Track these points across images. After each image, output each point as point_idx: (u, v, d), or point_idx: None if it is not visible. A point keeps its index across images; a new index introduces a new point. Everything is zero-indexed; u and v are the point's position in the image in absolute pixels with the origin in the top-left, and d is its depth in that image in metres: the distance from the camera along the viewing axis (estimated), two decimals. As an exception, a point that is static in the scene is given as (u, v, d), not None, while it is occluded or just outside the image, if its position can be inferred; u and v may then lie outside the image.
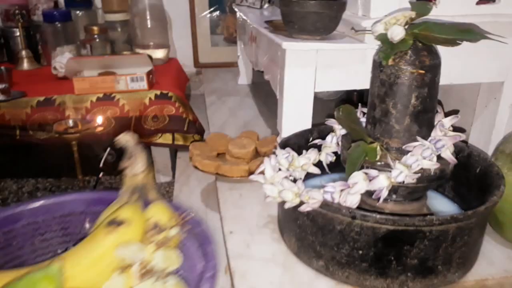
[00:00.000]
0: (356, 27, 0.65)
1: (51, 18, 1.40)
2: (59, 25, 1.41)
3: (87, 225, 0.45)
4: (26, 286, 0.33)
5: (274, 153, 0.59)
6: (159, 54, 1.51)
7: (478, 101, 0.81)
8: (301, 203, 0.51)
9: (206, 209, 0.93)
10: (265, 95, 1.33)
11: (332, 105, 1.19)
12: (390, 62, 0.50)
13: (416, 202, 0.56)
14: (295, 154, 0.58)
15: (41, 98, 1.15)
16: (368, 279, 0.52)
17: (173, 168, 1.33)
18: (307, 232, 0.54)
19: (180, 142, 1.21)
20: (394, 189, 0.52)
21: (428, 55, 0.50)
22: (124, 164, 0.42)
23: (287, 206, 0.52)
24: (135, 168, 0.43)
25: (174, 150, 1.36)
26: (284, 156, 0.57)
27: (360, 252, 0.51)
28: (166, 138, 1.20)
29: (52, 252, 0.45)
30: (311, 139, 0.70)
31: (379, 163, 0.52)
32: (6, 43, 1.51)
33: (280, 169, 0.56)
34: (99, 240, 0.37)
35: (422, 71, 0.49)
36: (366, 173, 0.50)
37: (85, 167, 1.10)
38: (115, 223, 0.38)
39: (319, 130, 0.71)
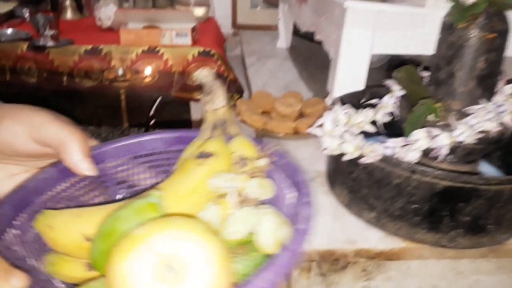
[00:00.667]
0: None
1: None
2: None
3: (168, 164, 0.45)
4: (131, 213, 0.32)
5: (330, 109, 0.61)
6: (199, 12, 1.51)
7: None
8: (361, 156, 0.54)
9: (247, 164, 0.97)
10: (304, 59, 1.34)
11: (372, 73, 1.19)
12: (461, 24, 0.51)
13: (469, 164, 0.58)
14: (353, 111, 0.60)
15: (88, 47, 1.18)
16: (419, 232, 0.55)
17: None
18: (362, 185, 0.57)
19: (219, 100, 1.24)
20: (451, 149, 0.54)
21: (499, 21, 0.50)
22: (203, 100, 0.41)
23: (346, 158, 0.55)
24: (216, 103, 0.41)
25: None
26: (343, 111, 0.59)
27: (414, 206, 0.53)
28: (206, 95, 1.23)
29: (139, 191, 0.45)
30: (363, 100, 0.72)
31: (440, 123, 0.54)
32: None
33: (338, 124, 0.58)
34: (191, 172, 0.36)
35: (493, 35, 0.50)
36: (428, 131, 0.52)
37: (130, 116, 1.14)
38: (204, 156, 0.37)
39: (371, 92, 0.72)
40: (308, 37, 1.53)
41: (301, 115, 0.89)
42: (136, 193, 0.41)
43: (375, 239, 0.57)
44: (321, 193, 0.66)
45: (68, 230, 0.33)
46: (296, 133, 0.82)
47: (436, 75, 0.56)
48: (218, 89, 0.41)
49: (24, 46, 1.17)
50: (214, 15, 1.66)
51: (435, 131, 0.52)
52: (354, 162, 0.57)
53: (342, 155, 0.57)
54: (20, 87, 1.20)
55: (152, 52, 1.19)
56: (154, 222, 0.29)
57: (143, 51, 1.18)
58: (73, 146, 0.35)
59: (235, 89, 1.20)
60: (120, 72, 1.06)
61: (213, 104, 0.41)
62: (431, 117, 0.54)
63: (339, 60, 0.71)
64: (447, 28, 0.53)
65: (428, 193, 0.52)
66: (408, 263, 0.59)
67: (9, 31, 1.20)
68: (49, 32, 1.17)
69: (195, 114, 1.32)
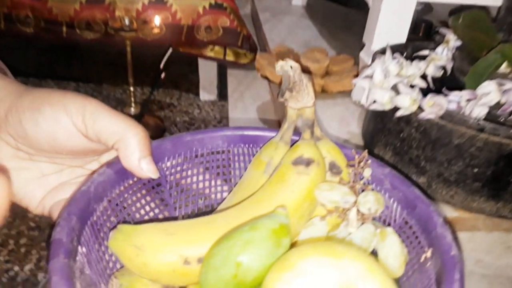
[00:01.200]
0: None
1: None
2: None
3: (231, 165, 0.39)
4: (265, 237, 0.26)
5: (378, 58, 0.53)
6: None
7: None
8: (415, 113, 0.46)
9: (264, 125, 0.90)
10: (322, 16, 1.24)
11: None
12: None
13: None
14: (405, 61, 0.52)
15: (91, -5, 1.08)
16: (476, 200, 0.48)
17: (218, 87, 1.28)
18: (412, 146, 0.50)
19: (231, 58, 1.15)
20: (521, 107, 0.46)
21: None
22: (286, 95, 0.34)
23: (400, 114, 0.47)
24: (303, 101, 0.34)
25: (219, 71, 1.31)
26: (395, 61, 0.51)
27: (475, 170, 0.46)
28: (218, 52, 1.14)
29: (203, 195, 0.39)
30: (405, 54, 0.64)
31: (511, 75, 0.46)
32: None
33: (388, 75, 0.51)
34: (293, 182, 0.31)
35: None
36: (499, 84, 0.44)
37: (135, 73, 1.05)
38: (304, 163, 0.31)
39: (414, 45, 0.64)
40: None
41: (327, 73, 0.81)
42: (197, 201, 0.38)
43: (424, 207, 0.50)
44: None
45: (163, 252, 0.28)
46: (324, 91, 0.75)
47: (508, 19, 0.48)
48: (307, 85, 0.34)
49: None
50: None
51: (509, 83, 0.44)
52: (405, 119, 0.49)
53: (392, 111, 0.49)
54: (15, 37, 1.11)
55: (159, 2, 1.09)
56: (324, 250, 0.25)
57: (149, 1, 1.08)
58: (133, 143, 0.30)
59: (248, 46, 1.11)
60: (126, 22, 0.97)
61: (298, 102, 0.34)
62: (501, 69, 0.47)
63: (382, 7, 0.62)
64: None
65: (495, 155, 0.45)
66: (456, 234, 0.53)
67: (3, -26, 1.10)
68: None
69: (203, 73, 1.24)
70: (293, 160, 0.32)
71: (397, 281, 0.30)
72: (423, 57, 0.57)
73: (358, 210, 0.30)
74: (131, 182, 0.33)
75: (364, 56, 0.70)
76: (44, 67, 1.24)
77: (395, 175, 0.33)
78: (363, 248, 0.29)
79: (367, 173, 0.32)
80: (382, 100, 0.48)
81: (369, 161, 0.33)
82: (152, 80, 1.10)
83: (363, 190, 0.31)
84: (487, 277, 0.58)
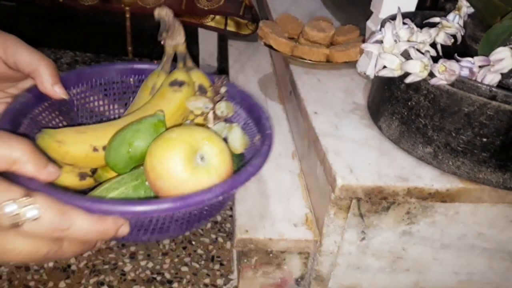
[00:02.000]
0: None
1: None
2: None
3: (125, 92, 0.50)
4: (148, 127, 0.39)
5: (388, 22, 0.51)
6: None
7: None
8: (427, 79, 0.45)
9: (265, 98, 0.88)
10: (327, -10, 1.21)
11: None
12: None
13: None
14: (415, 27, 0.50)
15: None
16: (483, 171, 0.47)
17: (217, 60, 1.25)
18: (420, 115, 0.49)
19: (232, 28, 1.12)
20: (534, 76, 0.45)
21: None
22: (163, 35, 0.45)
23: (409, 80, 0.46)
24: (177, 39, 0.45)
25: (219, 44, 1.28)
26: (405, 26, 0.49)
27: (484, 139, 0.45)
28: (218, 22, 1.11)
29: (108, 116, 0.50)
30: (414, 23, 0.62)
31: (525, 42, 0.45)
32: None
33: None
34: (171, 97, 0.43)
35: None
36: (513, 50, 0.43)
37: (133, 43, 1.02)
38: (178, 84, 0.44)
39: (423, 14, 0.62)
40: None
41: (331, 44, 0.79)
42: (101, 120, 0.48)
43: (429, 177, 0.49)
44: (362, 125, 0.58)
45: (78, 143, 0.39)
46: (329, 61, 0.73)
47: (526, -16, 0.46)
48: (178, 26, 0.46)
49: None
50: None
51: (523, 50, 0.43)
52: (414, 86, 0.48)
53: (400, 78, 0.48)
54: (10, 1, 1.07)
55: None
56: (182, 129, 0.39)
57: (150, -34, 1.05)
58: (46, 71, 0.38)
59: (250, 16, 1.08)
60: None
61: (173, 40, 0.46)
62: (515, 35, 0.45)
63: (392, -28, 0.60)
64: None
65: (505, 124, 0.43)
66: (457, 207, 0.52)
67: None
68: None
69: (203, 45, 1.21)
70: (170, 82, 0.44)
71: (241, 155, 0.45)
72: (433, 25, 0.55)
73: (214, 113, 0.44)
74: (46, 104, 0.41)
75: (371, 25, 0.68)
76: (39, 35, 1.21)
77: (242, 92, 0.47)
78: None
79: (222, 90, 0.45)
80: (392, 66, 0.46)
81: (225, 82, 0.46)
82: (150, 51, 1.07)
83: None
84: (488, 251, 0.57)
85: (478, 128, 0.45)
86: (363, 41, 0.71)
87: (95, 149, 0.40)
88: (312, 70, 0.73)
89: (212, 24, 1.11)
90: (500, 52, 0.43)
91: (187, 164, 0.36)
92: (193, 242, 0.59)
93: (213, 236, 0.62)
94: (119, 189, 0.38)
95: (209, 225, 0.63)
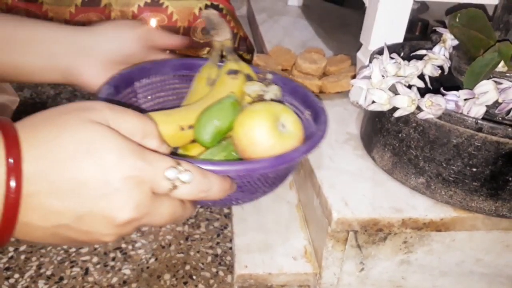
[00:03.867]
0: None
1: None
2: None
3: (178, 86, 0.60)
4: (229, 106, 0.48)
5: (376, 58, 0.53)
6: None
7: None
8: (414, 113, 0.46)
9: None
10: (319, 17, 1.24)
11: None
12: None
13: (533, 124, 0.51)
14: (402, 61, 0.52)
15: (86, -2, 1.07)
16: (475, 200, 0.48)
17: (214, 88, 1.27)
18: (410, 147, 0.50)
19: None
20: (519, 106, 0.46)
21: None
22: (211, 33, 0.55)
23: (398, 114, 0.47)
24: (223, 35, 0.55)
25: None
26: (392, 61, 0.51)
27: (474, 169, 0.46)
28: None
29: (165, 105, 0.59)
30: (402, 54, 0.64)
31: (508, 74, 0.46)
32: None
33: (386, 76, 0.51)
34: (230, 84, 0.52)
35: None
36: (496, 82, 0.44)
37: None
38: (233, 73, 0.52)
39: (411, 45, 0.64)
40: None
41: (324, 74, 0.81)
42: (161, 108, 0.58)
43: (423, 207, 0.50)
44: (356, 157, 0.59)
45: (167, 123, 0.47)
46: (322, 92, 0.75)
47: (505, 18, 0.48)
48: (225, 25, 0.56)
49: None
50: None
51: (506, 82, 0.44)
52: (403, 119, 0.49)
53: (390, 112, 0.49)
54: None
55: (155, 5, 1.09)
56: (262, 103, 0.50)
57: (146, 4, 1.08)
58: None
59: (245, 48, 1.11)
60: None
61: (220, 36, 0.55)
62: (498, 68, 0.46)
63: (379, 7, 0.62)
64: (527, -41, 0.44)
65: (493, 154, 0.45)
66: (453, 235, 0.53)
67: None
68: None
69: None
70: (227, 71, 0.53)
71: None
72: (421, 57, 0.57)
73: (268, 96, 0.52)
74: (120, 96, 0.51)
75: (361, 56, 0.69)
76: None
77: (284, 79, 0.57)
78: None
79: (269, 76, 0.56)
80: (381, 101, 0.48)
81: (268, 70, 0.58)
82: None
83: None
84: (487, 276, 0.58)
85: (467, 158, 0.46)
86: (355, 73, 0.73)
87: (182, 129, 0.48)
88: (306, 101, 0.74)
89: (208, 55, 1.13)
90: (484, 85, 0.44)
91: (273, 130, 0.43)
92: (194, 277, 0.60)
93: (214, 270, 0.62)
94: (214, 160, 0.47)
95: (209, 258, 0.64)
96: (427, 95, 0.44)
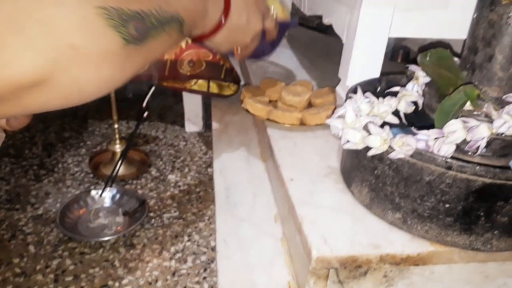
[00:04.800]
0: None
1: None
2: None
3: None
4: None
5: (350, 97, 0.55)
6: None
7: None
8: (388, 151, 0.48)
9: (248, 157, 0.91)
10: (304, 46, 1.27)
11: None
12: (506, 0, 0.45)
13: (504, 158, 0.52)
14: (376, 100, 0.54)
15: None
16: (450, 234, 0.49)
17: (203, 118, 1.29)
18: (386, 183, 0.51)
19: (215, 90, 1.16)
20: (487, 142, 0.48)
21: (548, -5, 0.45)
22: None
23: (371, 153, 0.49)
24: None
25: (204, 102, 1.32)
26: (365, 100, 0.52)
27: (447, 205, 0.47)
28: (201, 85, 1.16)
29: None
30: (379, 88, 0.66)
31: (475, 112, 0.48)
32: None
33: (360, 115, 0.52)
34: None
35: (540, 13, 0.44)
36: (464, 121, 0.46)
37: (119, 108, 1.06)
38: None
39: (388, 79, 0.66)
40: (306, 24, 1.46)
41: (310, 105, 0.83)
42: None
43: (401, 242, 0.51)
44: (336, 190, 0.60)
45: None
46: (303, 124, 0.76)
47: (471, 59, 0.50)
48: None
49: None
50: None
51: (473, 121, 0.46)
52: (378, 157, 0.51)
53: (365, 149, 0.51)
54: None
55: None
56: None
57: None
58: None
59: (231, 79, 1.13)
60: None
61: None
62: (466, 106, 0.48)
63: (355, 44, 0.64)
64: (488, 4, 0.47)
65: (464, 191, 0.46)
66: (432, 268, 0.54)
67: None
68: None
69: (188, 105, 1.25)
70: None
71: None
72: (396, 93, 0.59)
73: None
74: None
75: (340, 90, 0.71)
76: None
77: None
78: None
79: None
80: (354, 140, 0.49)
81: None
82: (137, 114, 1.11)
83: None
84: (468, 307, 0.58)
85: (440, 195, 0.47)
86: (335, 106, 0.74)
87: None
88: (289, 134, 0.76)
89: (195, 87, 1.15)
90: (452, 125, 0.46)
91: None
92: (181, 314, 0.60)
93: (200, 306, 0.62)
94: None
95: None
96: (398, 135, 0.46)
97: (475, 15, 0.49)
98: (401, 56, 1.17)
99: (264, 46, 0.62)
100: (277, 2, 0.78)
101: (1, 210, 0.91)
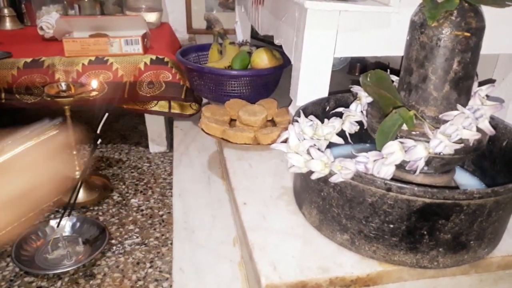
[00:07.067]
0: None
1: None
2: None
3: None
4: (245, 54, 1.04)
5: (295, 121, 0.55)
6: (151, 17, 1.43)
7: (495, 72, 0.78)
8: (330, 173, 0.48)
9: (209, 178, 0.90)
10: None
11: (333, 75, 1.15)
12: (434, 23, 0.46)
13: (446, 175, 0.53)
14: (319, 122, 0.54)
15: (28, 60, 1.07)
16: (396, 254, 0.49)
17: (167, 138, 1.28)
18: (332, 205, 0.51)
19: (176, 110, 1.16)
20: (428, 161, 0.49)
21: (475, 17, 0.46)
22: (212, 26, 1.08)
23: (314, 177, 0.49)
24: (218, 26, 1.11)
25: (168, 120, 1.31)
26: (308, 124, 0.53)
27: (391, 226, 0.48)
28: (162, 106, 1.15)
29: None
30: (328, 108, 0.66)
31: (413, 132, 0.49)
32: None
33: (303, 138, 0.52)
34: (233, 49, 1.07)
35: (468, 34, 0.45)
36: (402, 143, 0.47)
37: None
38: (232, 43, 1.08)
39: (336, 98, 0.67)
40: (267, 40, 1.47)
41: (272, 123, 0.83)
42: None
43: (350, 264, 0.51)
44: (288, 212, 0.60)
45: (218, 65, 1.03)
46: (258, 144, 0.76)
47: (407, 80, 0.51)
48: (218, 20, 1.14)
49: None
50: (167, 21, 1.58)
51: (410, 142, 0.47)
52: (323, 179, 0.51)
53: (309, 172, 0.51)
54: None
55: (100, 62, 1.10)
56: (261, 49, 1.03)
57: (90, 62, 1.09)
58: None
59: (193, 98, 1.13)
60: (63, 86, 0.96)
61: (217, 27, 1.15)
62: (404, 126, 0.49)
63: (301, 65, 0.65)
64: (418, 27, 0.48)
65: (405, 211, 0.46)
66: (385, 286, 0.54)
67: None
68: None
69: (151, 125, 1.24)
70: (229, 43, 1.09)
71: None
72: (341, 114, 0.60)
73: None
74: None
75: (292, 110, 0.72)
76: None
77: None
78: None
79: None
80: (298, 164, 0.49)
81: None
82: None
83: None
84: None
85: (384, 215, 0.47)
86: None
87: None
88: (245, 154, 0.76)
89: (156, 108, 1.14)
90: (390, 146, 0.46)
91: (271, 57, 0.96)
92: None
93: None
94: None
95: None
96: (337, 159, 0.46)
97: (408, 37, 0.50)
98: (358, 69, 1.19)
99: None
100: (265, 51, 0.97)
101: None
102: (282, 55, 1.00)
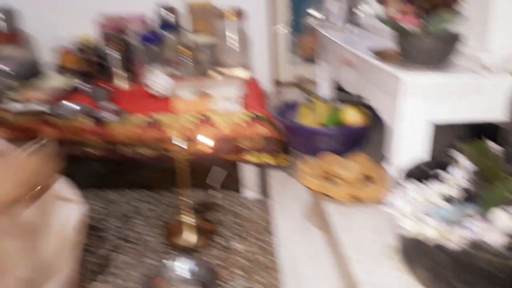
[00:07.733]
0: (472, 58, 0.67)
1: (148, 40, 1.53)
2: (154, 46, 1.53)
3: None
4: (335, 111, 1.24)
5: (400, 183, 0.61)
6: (242, 74, 1.58)
7: None
8: (444, 240, 0.53)
9: (308, 229, 0.97)
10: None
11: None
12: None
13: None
14: (425, 187, 0.60)
15: (147, 118, 1.24)
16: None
17: (260, 185, 1.38)
18: (445, 268, 0.56)
19: (270, 161, 1.26)
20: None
21: None
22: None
23: (430, 243, 0.54)
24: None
25: (261, 169, 1.43)
26: (416, 188, 0.59)
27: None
28: (258, 156, 1.26)
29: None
30: (428, 170, 0.72)
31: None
32: (101, 59, 1.62)
33: (412, 202, 0.59)
34: (323, 106, 1.31)
35: None
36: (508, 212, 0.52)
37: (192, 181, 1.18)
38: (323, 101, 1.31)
39: (437, 162, 0.72)
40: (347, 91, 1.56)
41: (365, 178, 0.89)
42: None
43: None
44: (395, 270, 0.65)
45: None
46: (357, 198, 0.83)
47: None
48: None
49: (88, 120, 1.24)
50: (254, 74, 1.72)
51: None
52: (435, 243, 0.56)
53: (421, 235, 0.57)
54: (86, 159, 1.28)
55: (205, 120, 1.24)
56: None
57: (201, 121, 1.24)
58: None
59: (287, 151, 1.23)
60: (184, 145, 1.12)
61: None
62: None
63: (396, 130, 0.72)
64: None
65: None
66: None
67: (73, 105, 1.27)
68: (109, 106, 1.25)
69: (245, 172, 1.35)
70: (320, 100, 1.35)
71: None
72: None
73: None
74: None
75: (388, 167, 0.78)
76: (106, 179, 1.42)
77: None
78: None
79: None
80: (412, 230, 0.56)
81: None
82: (201, 184, 1.21)
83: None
84: None
85: (496, 280, 0.52)
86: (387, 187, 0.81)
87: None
88: (344, 209, 0.82)
89: (252, 159, 1.25)
90: (501, 215, 0.51)
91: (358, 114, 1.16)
92: None
93: None
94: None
95: None
96: (449, 228, 0.52)
97: None
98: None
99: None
100: (354, 108, 1.08)
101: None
102: (368, 109, 1.07)
